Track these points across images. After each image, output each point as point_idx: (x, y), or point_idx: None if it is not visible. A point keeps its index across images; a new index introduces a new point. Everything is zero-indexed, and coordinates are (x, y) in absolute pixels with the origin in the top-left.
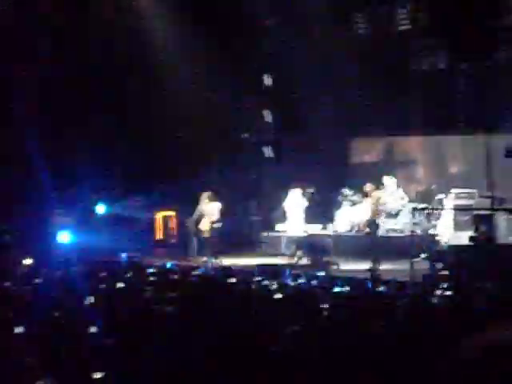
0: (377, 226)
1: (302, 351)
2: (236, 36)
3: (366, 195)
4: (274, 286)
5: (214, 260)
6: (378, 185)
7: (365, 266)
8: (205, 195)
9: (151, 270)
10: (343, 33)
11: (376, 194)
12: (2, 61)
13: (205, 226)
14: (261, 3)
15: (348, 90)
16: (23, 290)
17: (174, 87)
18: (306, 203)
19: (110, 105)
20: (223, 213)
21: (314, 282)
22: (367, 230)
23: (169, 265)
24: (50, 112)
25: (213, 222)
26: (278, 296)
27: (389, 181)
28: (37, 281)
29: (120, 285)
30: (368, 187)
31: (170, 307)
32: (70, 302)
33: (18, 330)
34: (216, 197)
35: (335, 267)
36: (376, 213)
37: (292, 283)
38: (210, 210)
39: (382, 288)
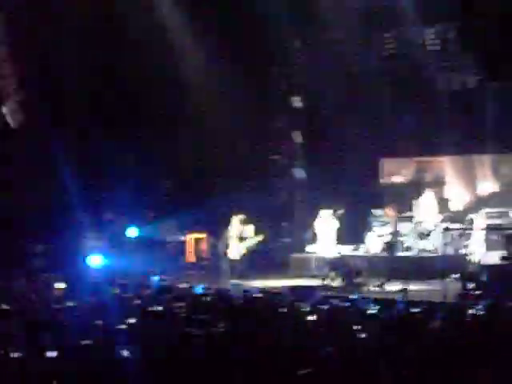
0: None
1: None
2: (263, 57)
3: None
4: (307, 308)
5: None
6: (409, 205)
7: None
8: (236, 218)
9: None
10: (371, 53)
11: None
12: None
13: (235, 248)
14: (288, 24)
15: (377, 110)
16: (55, 313)
17: (203, 110)
18: (336, 224)
19: (142, 129)
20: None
21: (347, 304)
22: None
23: (199, 289)
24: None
25: (245, 245)
26: (312, 318)
27: (422, 201)
28: (69, 304)
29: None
30: (388, 211)
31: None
32: (103, 327)
33: (51, 354)
34: (248, 219)
35: (375, 288)
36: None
37: (325, 305)
38: (241, 233)
39: (415, 309)
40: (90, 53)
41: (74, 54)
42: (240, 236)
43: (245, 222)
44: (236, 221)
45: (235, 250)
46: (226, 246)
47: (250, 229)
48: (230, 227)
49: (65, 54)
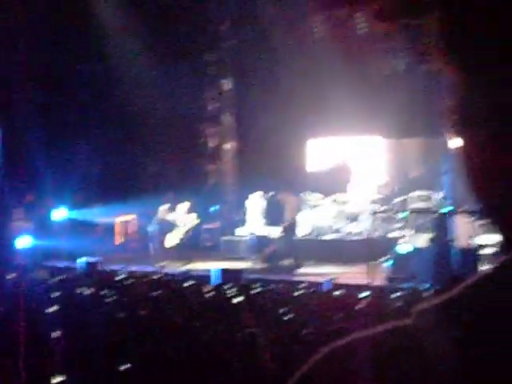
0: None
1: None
2: (195, 37)
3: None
4: (233, 290)
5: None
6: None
7: (325, 269)
8: (184, 205)
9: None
10: (300, 36)
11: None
12: None
13: (177, 235)
14: (218, 6)
15: (307, 94)
16: None
17: (134, 92)
18: (265, 206)
19: (73, 107)
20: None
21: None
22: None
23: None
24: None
25: (186, 232)
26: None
27: (351, 184)
28: None
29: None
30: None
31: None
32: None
33: None
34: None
35: (296, 271)
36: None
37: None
38: (184, 221)
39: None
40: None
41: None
42: (183, 223)
43: (189, 211)
44: (183, 208)
45: (174, 236)
46: (161, 231)
47: (192, 216)
48: (173, 214)
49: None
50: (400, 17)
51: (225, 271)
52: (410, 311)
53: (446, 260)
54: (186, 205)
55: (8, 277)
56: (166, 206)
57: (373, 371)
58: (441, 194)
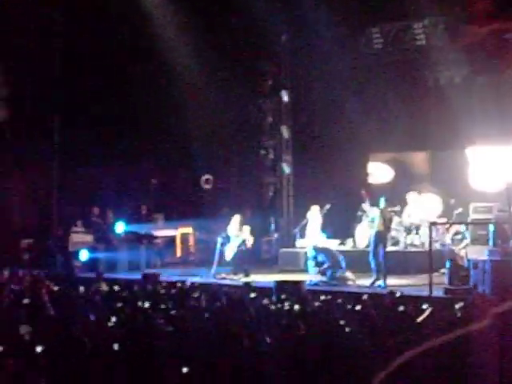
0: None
1: None
2: (252, 52)
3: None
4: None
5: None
6: (395, 201)
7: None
8: (237, 218)
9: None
10: (359, 48)
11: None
12: None
13: (232, 246)
14: (275, 19)
15: (365, 106)
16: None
17: (192, 105)
18: (320, 219)
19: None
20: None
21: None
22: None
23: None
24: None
25: (241, 243)
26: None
27: (411, 196)
28: None
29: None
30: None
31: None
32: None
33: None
34: (244, 219)
35: (351, 282)
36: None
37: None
38: (239, 233)
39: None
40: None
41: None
42: (236, 235)
43: (242, 222)
44: (236, 220)
45: (230, 249)
46: (222, 243)
47: (246, 228)
48: (228, 226)
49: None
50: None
51: (283, 283)
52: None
53: (504, 271)
54: (237, 217)
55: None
56: (237, 218)
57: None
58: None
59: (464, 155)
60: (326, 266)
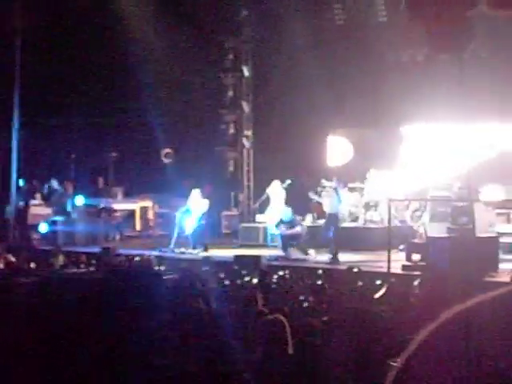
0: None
1: None
2: (213, 25)
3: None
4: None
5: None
6: (355, 178)
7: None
8: (196, 191)
9: None
10: (321, 23)
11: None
12: None
13: (191, 220)
14: None
15: (326, 82)
16: None
17: (153, 78)
18: (283, 194)
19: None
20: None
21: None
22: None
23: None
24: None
25: (200, 217)
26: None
27: (371, 173)
28: None
29: None
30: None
31: None
32: None
33: None
34: (204, 193)
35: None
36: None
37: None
38: (198, 205)
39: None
40: None
41: None
42: (195, 208)
43: (201, 196)
44: (195, 193)
45: (190, 223)
46: (182, 217)
47: (205, 202)
48: (188, 200)
49: None
50: None
51: (242, 257)
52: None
53: (464, 248)
54: (197, 191)
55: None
56: (197, 192)
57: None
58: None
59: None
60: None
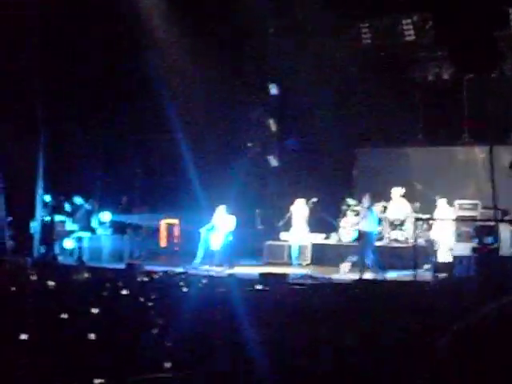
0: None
1: None
2: (241, 44)
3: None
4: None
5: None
6: (382, 196)
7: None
8: (221, 208)
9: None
10: (347, 43)
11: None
12: None
13: (217, 237)
14: (264, 12)
15: (352, 100)
16: None
17: (179, 96)
18: (308, 212)
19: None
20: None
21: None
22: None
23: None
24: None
25: (226, 234)
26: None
27: (396, 192)
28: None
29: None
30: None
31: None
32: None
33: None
34: (229, 209)
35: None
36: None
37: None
38: (224, 222)
39: None
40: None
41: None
42: (221, 225)
43: (227, 212)
44: (221, 210)
45: (216, 239)
46: (207, 233)
47: (232, 219)
48: (213, 217)
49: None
50: None
51: (268, 275)
52: None
53: (489, 267)
54: (222, 207)
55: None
56: (222, 209)
57: None
58: (485, 204)
59: (450, 152)
60: None
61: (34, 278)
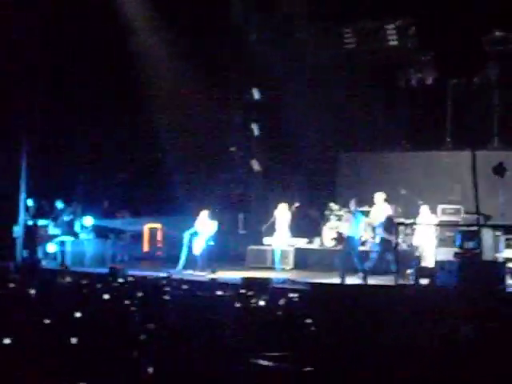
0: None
1: None
2: (223, 48)
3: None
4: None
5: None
6: (365, 201)
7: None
8: (204, 213)
9: None
10: (331, 47)
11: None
12: None
13: (199, 242)
14: (247, 17)
15: (336, 105)
16: None
17: (162, 101)
18: (290, 217)
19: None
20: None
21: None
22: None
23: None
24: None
25: (208, 239)
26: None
27: (379, 196)
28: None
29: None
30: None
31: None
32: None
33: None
34: (212, 214)
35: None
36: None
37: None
38: (207, 227)
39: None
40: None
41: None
42: (203, 230)
43: (210, 217)
44: (204, 215)
45: (198, 244)
46: (190, 239)
47: (214, 224)
48: (196, 221)
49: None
50: None
51: (251, 279)
52: None
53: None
54: (205, 212)
55: None
56: (205, 213)
57: None
58: (467, 209)
59: (433, 157)
60: None
61: (16, 282)
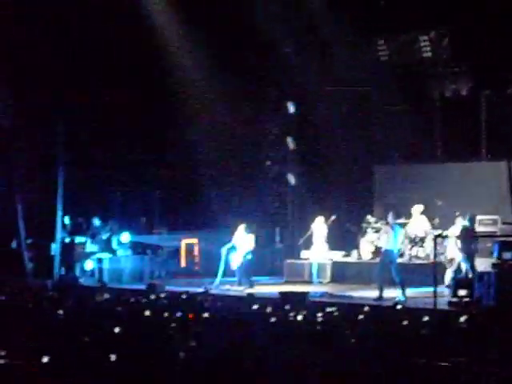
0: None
1: None
2: (259, 62)
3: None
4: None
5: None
6: (401, 213)
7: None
8: (241, 227)
9: None
10: (365, 59)
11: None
12: None
13: (237, 256)
14: (282, 30)
15: (370, 117)
16: None
17: (197, 116)
18: (327, 230)
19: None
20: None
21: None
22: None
23: None
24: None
25: (246, 253)
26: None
27: (416, 209)
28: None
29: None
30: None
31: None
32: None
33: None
34: (249, 228)
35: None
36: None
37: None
38: (244, 242)
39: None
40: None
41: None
42: (241, 244)
43: (248, 231)
44: (241, 229)
45: (236, 258)
46: (227, 253)
47: (251, 238)
48: (233, 236)
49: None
50: None
51: (288, 294)
52: None
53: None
54: (242, 226)
55: None
56: (242, 227)
57: None
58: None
59: (469, 168)
60: None
61: (54, 299)
